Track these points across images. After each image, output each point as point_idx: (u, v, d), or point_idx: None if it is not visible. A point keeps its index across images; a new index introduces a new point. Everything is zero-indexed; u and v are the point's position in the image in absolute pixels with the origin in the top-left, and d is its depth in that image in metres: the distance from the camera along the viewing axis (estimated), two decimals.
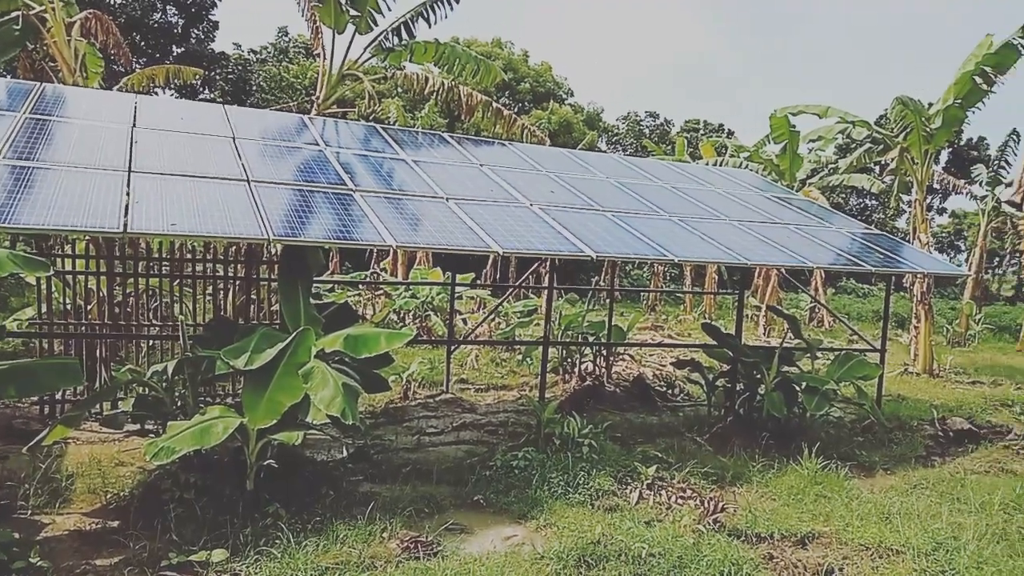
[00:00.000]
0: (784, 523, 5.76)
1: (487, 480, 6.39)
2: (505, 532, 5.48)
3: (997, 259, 39.05)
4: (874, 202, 40.03)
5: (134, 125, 7.62)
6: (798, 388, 8.31)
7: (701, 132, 41.57)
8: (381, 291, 16.95)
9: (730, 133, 42.45)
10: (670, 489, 6.30)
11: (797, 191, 17.75)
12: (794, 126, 17.66)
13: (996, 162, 22.14)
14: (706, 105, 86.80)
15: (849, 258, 8.92)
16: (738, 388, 9.05)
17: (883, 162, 20.48)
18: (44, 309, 8.10)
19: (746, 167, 20.26)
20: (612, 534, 5.28)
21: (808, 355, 9.33)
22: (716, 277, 24.82)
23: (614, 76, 77.78)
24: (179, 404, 6.09)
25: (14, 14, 11.11)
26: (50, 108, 7.59)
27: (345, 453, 6.92)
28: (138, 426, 7.38)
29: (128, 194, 5.82)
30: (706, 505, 5.81)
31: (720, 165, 20.58)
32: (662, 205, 9.32)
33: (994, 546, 5.43)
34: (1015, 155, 21.28)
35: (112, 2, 26.43)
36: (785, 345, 8.98)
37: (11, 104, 7.42)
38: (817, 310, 22.80)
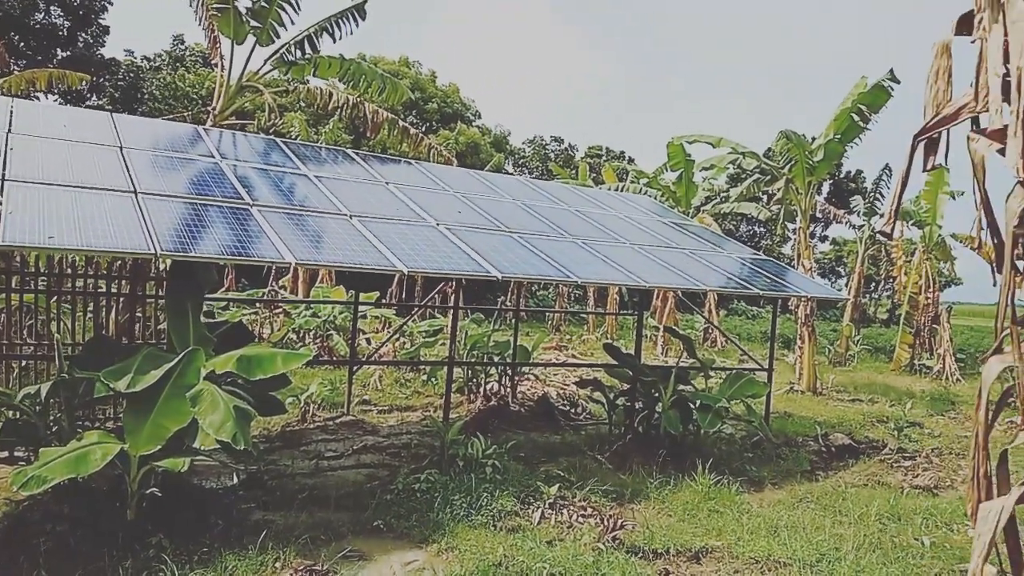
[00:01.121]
0: (679, 538, 5.93)
1: (388, 504, 6.24)
2: (406, 557, 5.36)
3: (873, 284, 42.12)
4: (762, 229, 42.38)
5: (9, 130, 7.09)
6: (693, 406, 8.61)
7: (604, 158, 42.84)
8: (280, 310, 16.41)
9: (631, 160, 43.97)
10: (572, 508, 6.36)
11: (692, 217, 18.56)
12: (689, 155, 18.50)
13: (872, 194, 23.95)
14: (607, 131, 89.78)
15: (740, 282, 9.37)
16: (637, 406, 9.29)
17: (770, 192, 21.73)
18: None
19: (645, 193, 21.01)
20: (514, 555, 5.27)
21: (702, 374, 9.70)
22: (618, 298, 25.53)
23: (520, 100, 79.28)
24: (53, 429, 5.65)
25: None
26: None
27: (236, 480, 6.61)
28: (6, 453, 6.80)
29: (1, 204, 5.38)
30: (606, 523, 5.89)
31: (621, 190, 21.25)
32: (566, 228, 9.50)
33: (871, 555, 5.79)
34: (888, 188, 23.08)
35: None
36: (681, 364, 9.30)
37: None
38: (711, 331, 23.81)
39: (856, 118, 14.17)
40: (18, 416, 5.67)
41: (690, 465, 7.70)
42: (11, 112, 7.69)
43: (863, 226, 24.29)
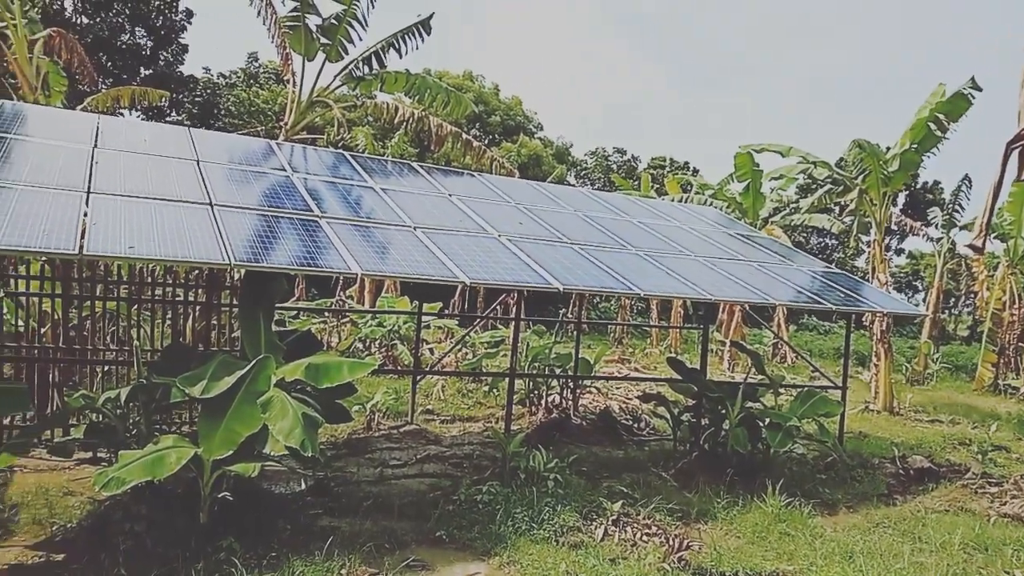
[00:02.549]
0: (748, 562, 5.73)
1: (450, 515, 6.25)
2: (468, 569, 5.36)
3: (953, 299, 40.20)
4: (834, 241, 41.04)
5: (96, 145, 7.46)
6: (762, 424, 8.35)
7: (667, 169, 42.32)
8: (347, 319, 16.75)
9: (695, 171, 43.28)
10: (635, 526, 6.24)
11: (760, 229, 18.11)
12: (757, 164, 18.08)
13: (951, 205, 22.87)
14: (670, 143, 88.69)
15: (811, 296, 9.06)
16: (703, 423, 9.07)
17: (843, 203, 21.02)
18: None
19: (710, 204, 20.63)
20: (576, 572, 5.20)
21: (771, 391, 9.41)
22: (682, 311, 25.08)
23: (581, 112, 79.15)
24: (133, 432, 5.88)
25: None
26: (8, 125, 7.40)
27: (304, 486, 6.73)
28: (90, 454, 7.12)
29: (86, 215, 5.66)
30: (671, 543, 5.76)
31: (686, 202, 20.92)
32: (629, 239, 9.39)
33: None
34: (968, 199, 21.99)
35: (78, 21, 26.13)
36: (749, 381, 9.04)
37: None
38: (780, 346, 23.12)
39: (933, 127, 13.59)
40: (100, 419, 5.92)
41: (759, 485, 7.46)
42: (97, 128, 8.09)
43: (941, 239, 23.22)
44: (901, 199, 40.96)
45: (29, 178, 6.17)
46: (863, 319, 19.98)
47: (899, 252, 45.45)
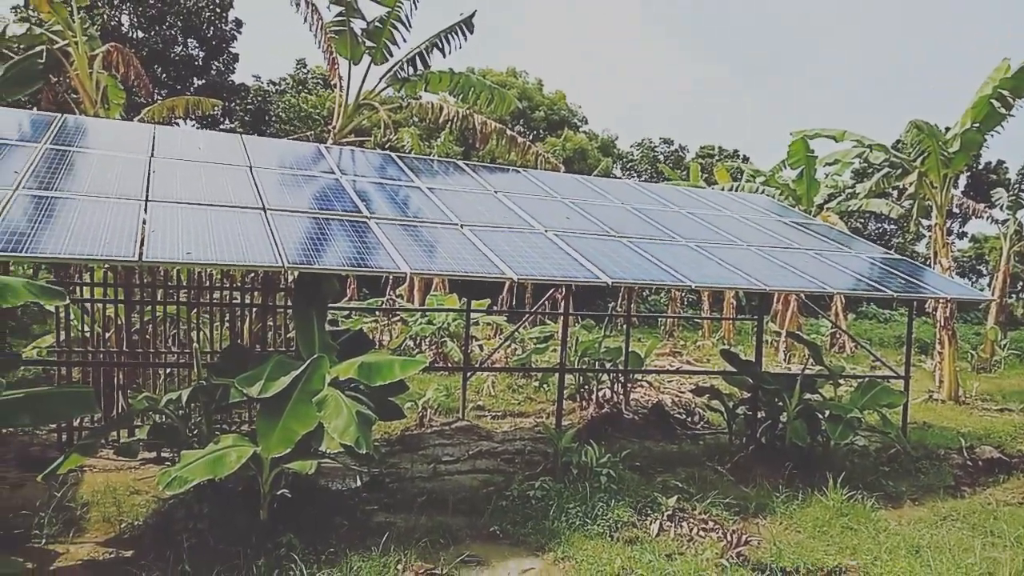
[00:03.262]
0: (810, 557, 5.59)
1: (503, 510, 6.27)
2: (523, 565, 5.36)
3: (1021, 283, 38.45)
4: (893, 227, 39.67)
5: (152, 155, 7.71)
6: (821, 416, 8.14)
7: (716, 158, 41.57)
8: (397, 317, 16.95)
9: (745, 158, 42.41)
10: (692, 521, 6.15)
11: (815, 216, 17.63)
12: (811, 150, 17.58)
13: (1017, 186, 21.93)
14: (718, 131, 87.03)
15: (870, 283, 8.79)
16: (759, 416, 8.89)
17: (901, 186, 20.31)
18: (63, 337, 8.14)
19: (762, 192, 20.18)
20: (632, 567, 5.15)
21: (830, 382, 9.16)
22: (734, 302, 24.61)
23: (628, 104, 78.30)
24: (194, 432, 6.06)
25: (38, 48, 11.36)
26: (71, 139, 7.70)
27: (359, 482, 6.84)
28: (154, 454, 7.37)
29: (145, 223, 5.85)
30: (729, 538, 5.65)
31: (736, 190, 20.52)
32: (678, 231, 9.25)
33: None
34: None
35: (134, 36, 27.03)
36: (807, 372, 8.82)
37: (34, 135, 7.54)
38: (838, 336, 22.51)
39: (997, 104, 13.01)
40: (163, 420, 6.12)
41: (819, 479, 7.27)
42: (154, 138, 8.36)
43: (1007, 220, 22.23)
44: (963, 181, 39.29)
45: (91, 188, 6.41)
46: (925, 306, 19.28)
47: (962, 236, 43.66)
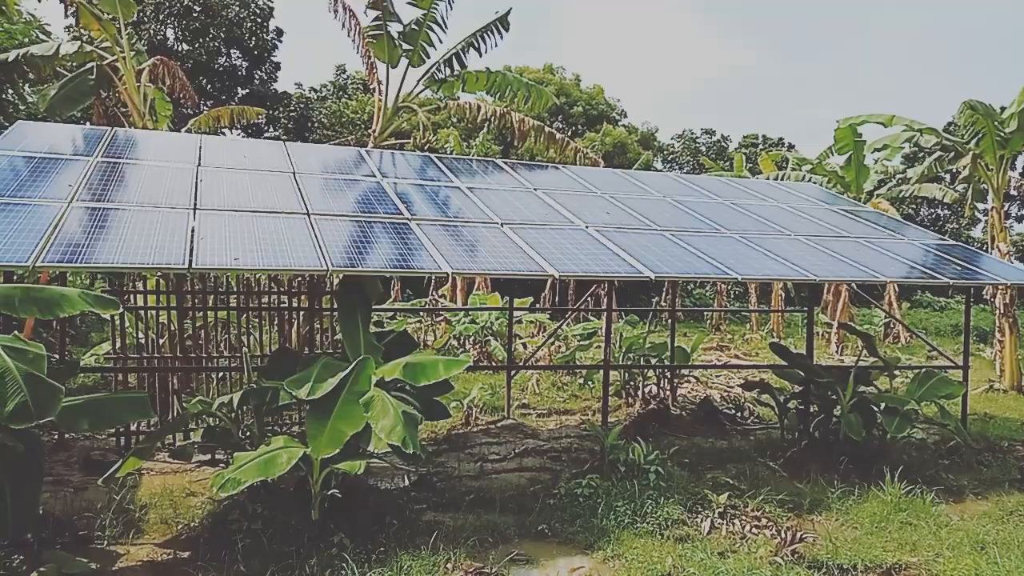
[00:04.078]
0: (868, 553, 5.44)
1: (551, 509, 6.25)
2: (572, 563, 5.33)
3: None
4: (947, 212, 38.37)
5: (199, 164, 7.88)
6: (876, 409, 7.91)
7: (760, 147, 40.79)
8: (441, 318, 17.06)
9: (790, 146, 41.52)
10: (744, 518, 6.04)
11: (865, 203, 17.15)
12: (859, 135, 17.10)
13: None
14: (762, 120, 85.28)
15: (924, 271, 8.50)
16: (812, 410, 8.68)
17: (955, 170, 19.62)
18: (119, 344, 8.40)
19: (809, 180, 19.71)
20: (684, 566, 5.08)
21: (886, 374, 8.90)
22: (783, 294, 24.10)
23: (667, 95, 77.35)
24: (246, 435, 6.18)
25: (89, 65, 11.73)
26: (121, 151, 7.94)
27: (407, 481, 6.89)
28: (208, 456, 7.55)
29: (194, 231, 5.99)
30: (783, 535, 5.53)
31: (781, 179, 20.07)
32: (722, 222, 9.10)
33: None
34: None
35: (179, 49, 27.75)
36: (860, 364, 8.58)
37: (86, 149, 7.79)
38: (892, 326, 21.88)
39: None
40: (216, 423, 6.26)
41: (876, 473, 7.07)
42: (200, 147, 8.56)
43: None
44: (1020, 162, 37.78)
45: (141, 198, 6.59)
46: (983, 293, 18.58)
47: (1020, 219, 41.99)
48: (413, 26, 12.51)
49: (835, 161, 20.22)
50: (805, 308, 10.31)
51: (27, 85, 14.12)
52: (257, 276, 9.24)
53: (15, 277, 7.08)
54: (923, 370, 8.80)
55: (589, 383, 12.07)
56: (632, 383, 11.17)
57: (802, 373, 8.68)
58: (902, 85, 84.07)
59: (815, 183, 18.51)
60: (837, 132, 16.82)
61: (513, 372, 11.03)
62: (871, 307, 21.69)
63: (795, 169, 21.99)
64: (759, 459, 7.90)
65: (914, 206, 35.48)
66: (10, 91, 13.23)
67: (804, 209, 10.59)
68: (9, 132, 7.98)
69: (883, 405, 7.87)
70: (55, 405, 4.10)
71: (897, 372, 9.22)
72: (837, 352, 18.69)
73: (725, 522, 5.97)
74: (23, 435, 4.06)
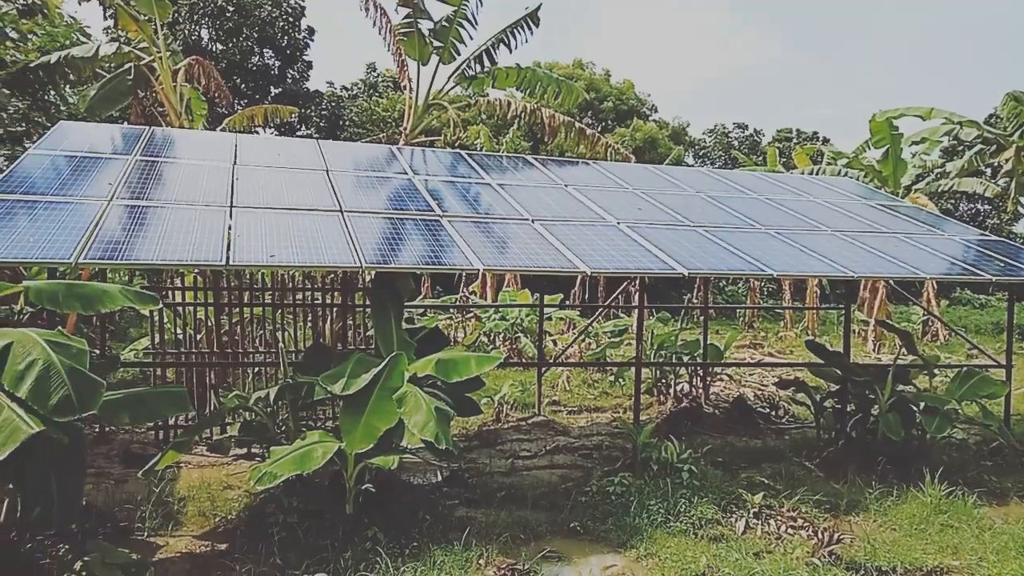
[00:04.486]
0: (908, 556, 5.33)
1: (583, 506, 6.23)
2: (604, 561, 5.31)
3: None
4: (987, 207, 37.40)
5: (235, 163, 7.99)
6: (916, 408, 7.74)
7: (794, 141, 40.15)
8: (471, 314, 17.10)
9: (825, 140, 40.80)
10: (779, 518, 5.95)
11: (903, 198, 16.79)
12: (896, 129, 16.76)
13: None
14: (797, 114, 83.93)
15: (965, 267, 8.30)
16: (849, 409, 8.53)
17: (996, 164, 19.10)
18: (157, 339, 8.56)
19: (845, 175, 19.35)
20: (719, 566, 5.02)
21: (925, 373, 8.70)
22: (818, 291, 23.70)
23: (699, 90, 76.55)
24: (281, 429, 6.26)
25: (127, 66, 11.96)
26: (159, 150, 8.08)
27: (440, 477, 6.92)
28: (244, 450, 7.66)
29: (230, 228, 6.08)
30: (820, 536, 5.44)
31: (816, 174, 19.75)
32: (757, 218, 8.97)
33: None
34: None
35: (213, 48, 28.16)
36: (899, 362, 8.40)
37: (125, 148, 7.95)
38: (931, 323, 21.39)
39: None
40: (253, 417, 6.35)
41: (915, 474, 6.92)
42: (236, 146, 8.67)
43: None
44: None
45: (179, 196, 6.71)
46: None
47: None
48: (444, 23, 12.55)
49: (871, 155, 19.85)
50: (841, 305, 10.12)
51: (68, 86, 14.45)
52: (290, 272, 9.34)
53: (58, 273, 7.24)
54: (964, 369, 8.59)
55: (620, 380, 12.01)
56: (664, 381, 11.08)
57: (839, 371, 8.53)
58: (941, 78, 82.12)
59: (851, 178, 18.18)
60: (873, 125, 16.53)
61: (544, 369, 11.02)
62: (909, 304, 21.24)
63: (830, 163, 21.62)
64: (794, 459, 7.79)
65: (953, 201, 34.59)
66: (52, 92, 13.54)
67: (841, 204, 10.40)
68: (51, 132, 8.17)
69: (923, 404, 7.70)
70: (97, 399, 4.18)
71: (937, 371, 9.02)
72: (874, 350, 18.33)
73: (760, 522, 5.90)
74: (67, 428, 4.15)
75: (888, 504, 6.46)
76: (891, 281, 14.91)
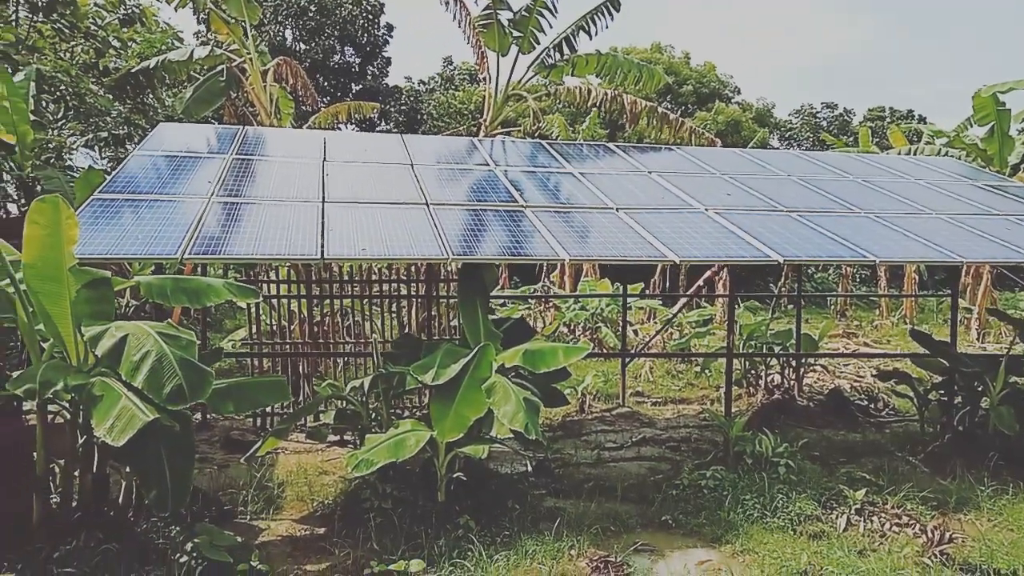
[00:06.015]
0: None
1: (674, 499, 6.12)
2: (698, 556, 5.19)
3: None
4: None
5: (324, 159, 8.20)
6: None
7: (888, 120, 38.17)
8: (551, 304, 17.06)
9: (922, 119, 38.62)
10: (883, 515, 5.68)
11: (1010, 177, 15.70)
12: (1003, 104, 15.64)
13: None
14: (890, 92, 79.65)
15: None
16: (956, 402, 8.06)
17: None
18: (254, 330, 8.92)
19: (945, 154, 18.24)
20: (821, 564, 4.84)
21: None
22: (916, 277, 22.50)
23: (784, 70, 73.71)
24: (374, 418, 6.41)
25: (219, 67, 12.45)
26: (252, 148, 8.37)
27: (528, 467, 6.94)
28: (338, 437, 7.89)
29: (323, 223, 6.24)
30: (929, 534, 5.16)
31: (914, 153, 18.69)
32: (853, 201, 8.56)
33: None
34: None
35: (298, 48, 29.04)
36: (1012, 353, 7.87)
37: (220, 147, 8.28)
38: None
39: None
40: (346, 406, 6.53)
41: None
42: (324, 143, 8.90)
43: None
44: None
45: (273, 193, 6.94)
46: None
47: None
48: (523, 13, 12.47)
49: (974, 133, 18.62)
50: (943, 292, 9.55)
51: (165, 89, 15.19)
52: (376, 265, 9.55)
53: (164, 269, 7.63)
54: None
55: (706, 371, 11.73)
56: (753, 372, 10.75)
57: (945, 362, 8.06)
58: None
59: (953, 157, 17.12)
60: (976, 101, 15.48)
61: (627, 359, 10.88)
62: (1015, 291, 19.88)
63: (929, 143, 20.39)
64: (897, 453, 7.43)
65: None
66: (151, 96, 14.26)
67: (943, 185, 9.80)
68: (152, 134, 8.59)
69: None
70: (207, 388, 4.38)
71: None
72: (978, 339, 17.26)
73: (862, 519, 5.64)
74: (177, 416, 4.36)
75: (1003, 503, 6.07)
76: (1000, 266, 13.96)
